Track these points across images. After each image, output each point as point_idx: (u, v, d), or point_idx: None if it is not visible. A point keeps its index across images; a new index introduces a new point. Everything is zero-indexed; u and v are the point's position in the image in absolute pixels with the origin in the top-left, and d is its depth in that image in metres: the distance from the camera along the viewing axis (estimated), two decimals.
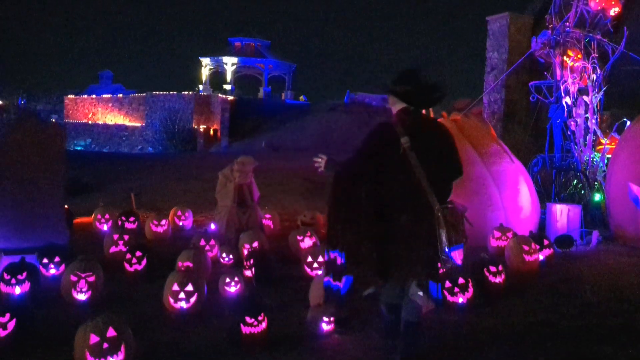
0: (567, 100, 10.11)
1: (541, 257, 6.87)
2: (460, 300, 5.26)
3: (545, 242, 7.11)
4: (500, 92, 13.76)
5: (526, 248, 6.59)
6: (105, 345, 3.78)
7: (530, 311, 5.25)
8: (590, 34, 10.30)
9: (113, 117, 39.28)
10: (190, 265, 5.83)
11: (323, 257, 5.43)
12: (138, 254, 6.17)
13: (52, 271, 6.12)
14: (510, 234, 7.29)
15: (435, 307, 4.20)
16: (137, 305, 5.35)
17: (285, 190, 12.56)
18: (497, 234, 7.43)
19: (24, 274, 5.40)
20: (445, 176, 4.15)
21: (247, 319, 4.33)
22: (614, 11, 10.43)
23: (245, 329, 4.33)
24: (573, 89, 10.10)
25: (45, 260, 6.13)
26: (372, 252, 4.05)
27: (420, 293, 4.00)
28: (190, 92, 35.87)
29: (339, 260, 4.02)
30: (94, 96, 42.65)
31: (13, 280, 5.34)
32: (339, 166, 4.22)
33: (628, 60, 10.31)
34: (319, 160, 4.27)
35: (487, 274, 5.74)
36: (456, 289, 5.27)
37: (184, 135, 32.46)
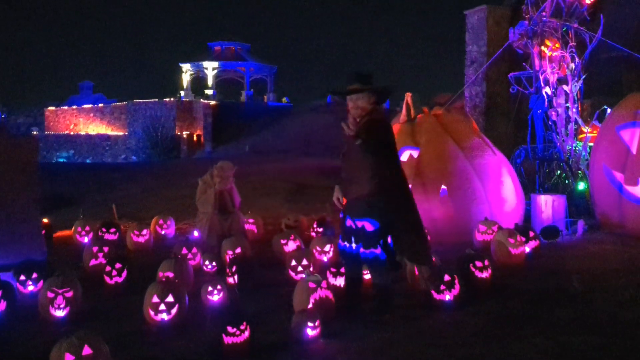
0: (547, 90, 10.09)
1: (527, 250, 6.83)
2: (447, 297, 5.18)
3: (531, 234, 7.07)
4: (481, 85, 13.73)
5: (512, 241, 6.54)
6: None
7: (518, 305, 5.18)
8: (567, 23, 10.29)
9: (95, 127, 38.96)
10: (171, 275, 5.71)
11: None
12: (118, 265, 6.03)
13: (30, 288, 5.95)
14: (495, 228, 7.24)
15: None
16: (118, 319, 5.21)
17: (269, 194, 12.45)
18: (482, 228, 7.38)
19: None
20: None
21: (229, 328, 4.22)
22: None
23: (227, 339, 4.21)
24: (552, 78, 10.09)
25: (22, 277, 5.96)
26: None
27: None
28: (172, 99, 35.69)
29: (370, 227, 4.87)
30: (74, 107, 42.24)
31: None
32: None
33: (606, 47, 10.31)
34: (350, 125, 4.86)
35: (473, 269, 5.67)
36: (442, 287, 5.19)
37: (167, 142, 32.28)
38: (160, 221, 8.78)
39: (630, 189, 7.87)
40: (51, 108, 42.89)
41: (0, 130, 6.56)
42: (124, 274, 6.04)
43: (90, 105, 41.43)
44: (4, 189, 6.18)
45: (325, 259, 6.70)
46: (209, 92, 39.72)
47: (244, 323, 4.28)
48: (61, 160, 35.15)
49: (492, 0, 14.22)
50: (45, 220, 8.38)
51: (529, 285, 5.81)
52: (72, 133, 39.16)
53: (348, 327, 4.74)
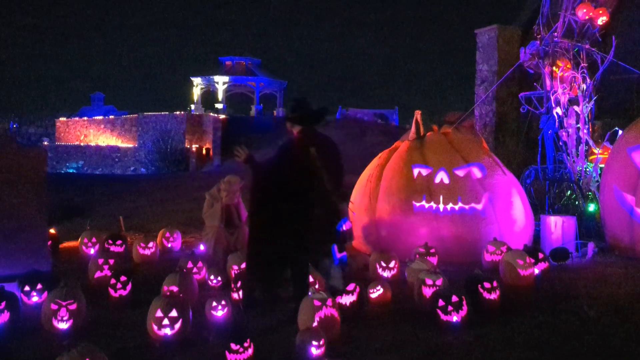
0: (558, 110, 10.03)
1: (536, 271, 6.73)
2: (455, 319, 5.10)
3: (540, 255, 6.97)
4: (491, 104, 13.69)
5: (520, 262, 6.45)
6: None
7: (526, 329, 5.09)
8: (579, 44, 10.25)
9: (105, 139, 39.13)
10: (176, 289, 5.66)
11: None
12: (123, 278, 5.99)
13: (35, 299, 5.92)
14: (504, 248, 7.16)
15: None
16: (121, 332, 5.16)
17: None
18: (491, 248, 7.30)
19: (3, 303, 5.19)
20: (339, 175, 5.60)
21: (233, 345, 4.17)
22: (601, 20, 10.39)
23: (231, 357, 4.16)
24: (563, 99, 10.02)
25: (27, 288, 5.94)
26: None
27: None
28: (182, 112, 35.80)
29: None
30: (85, 118, 42.50)
31: None
32: (259, 169, 5.62)
33: (617, 69, 10.26)
34: (241, 151, 5.51)
35: (481, 290, 5.59)
36: (450, 308, 5.12)
37: (176, 155, 32.33)
38: (167, 234, 8.75)
39: None
40: (62, 119, 43.15)
41: (9, 140, 6.55)
42: (129, 287, 6.00)
43: (101, 117, 41.67)
44: (12, 199, 6.18)
45: None
46: (219, 106, 39.86)
47: (248, 340, 4.24)
48: (71, 170, 35.28)
49: (503, 20, 14.24)
50: (52, 230, 8.37)
51: (538, 307, 5.71)
52: (82, 144, 39.32)
53: (353, 347, 4.67)
